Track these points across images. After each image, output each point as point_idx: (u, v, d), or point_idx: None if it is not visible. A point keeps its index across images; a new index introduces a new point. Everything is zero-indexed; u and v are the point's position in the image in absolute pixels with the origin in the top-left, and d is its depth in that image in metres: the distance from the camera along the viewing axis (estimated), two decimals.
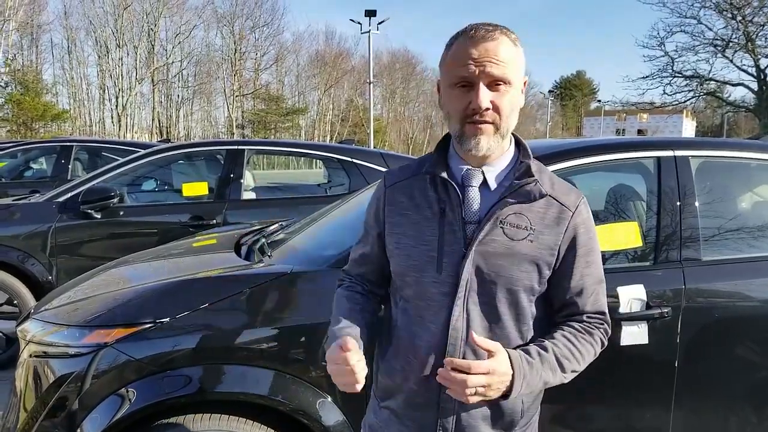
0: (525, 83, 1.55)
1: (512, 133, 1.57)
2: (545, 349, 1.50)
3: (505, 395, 1.44)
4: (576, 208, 1.55)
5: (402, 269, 1.55)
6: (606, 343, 1.62)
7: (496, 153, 1.52)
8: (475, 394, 1.39)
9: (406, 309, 1.56)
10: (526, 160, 1.55)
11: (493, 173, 1.53)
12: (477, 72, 1.43)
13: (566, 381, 1.55)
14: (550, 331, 1.57)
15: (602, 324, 1.62)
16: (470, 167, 1.53)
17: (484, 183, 1.52)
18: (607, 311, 1.63)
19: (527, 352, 1.48)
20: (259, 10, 54.11)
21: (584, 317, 1.59)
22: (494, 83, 1.44)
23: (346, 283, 1.74)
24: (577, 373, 1.56)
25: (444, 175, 1.52)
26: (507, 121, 1.48)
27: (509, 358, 1.43)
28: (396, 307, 1.60)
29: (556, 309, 1.60)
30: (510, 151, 1.57)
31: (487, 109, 1.44)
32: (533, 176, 1.52)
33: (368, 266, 1.70)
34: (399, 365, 1.57)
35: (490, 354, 1.41)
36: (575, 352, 1.53)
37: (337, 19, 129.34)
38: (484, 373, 1.38)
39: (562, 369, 1.51)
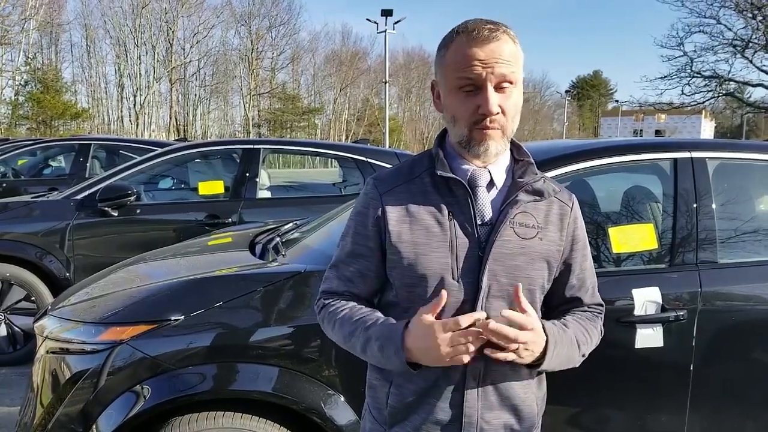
0: (522, 81, 1.52)
1: None
2: (565, 325, 1.50)
3: (536, 363, 1.42)
4: (572, 204, 1.56)
5: (412, 280, 1.45)
6: (603, 332, 1.63)
7: (500, 153, 1.50)
8: (513, 352, 1.35)
9: None
10: (525, 158, 1.53)
11: (498, 173, 1.50)
12: (485, 74, 1.39)
13: (576, 365, 1.54)
14: (558, 316, 1.56)
15: (601, 313, 1.63)
16: (476, 167, 1.48)
17: (490, 183, 1.49)
18: (603, 303, 1.65)
19: (552, 324, 1.47)
20: (276, 9, 54.43)
21: (586, 308, 1.60)
22: (500, 85, 1.41)
23: (336, 299, 1.55)
24: (584, 359, 1.55)
25: (451, 174, 1.46)
26: (512, 123, 1.46)
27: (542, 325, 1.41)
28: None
29: (557, 304, 1.59)
30: (507, 151, 1.54)
31: (497, 113, 1.40)
32: (537, 174, 1.51)
33: (364, 283, 1.54)
34: (416, 383, 1.47)
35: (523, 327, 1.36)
36: (586, 335, 1.54)
37: (353, 19, 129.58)
38: (530, 330, 1.36)
39: (579, 348, 1.51)
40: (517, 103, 1.45)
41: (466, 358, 1.35)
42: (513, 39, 1.44)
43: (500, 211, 1.46)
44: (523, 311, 1.37)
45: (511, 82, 1.41)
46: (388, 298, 1.54)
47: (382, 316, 1.47)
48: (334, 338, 1.54)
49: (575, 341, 1.49)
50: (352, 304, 1.53)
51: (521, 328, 1.35)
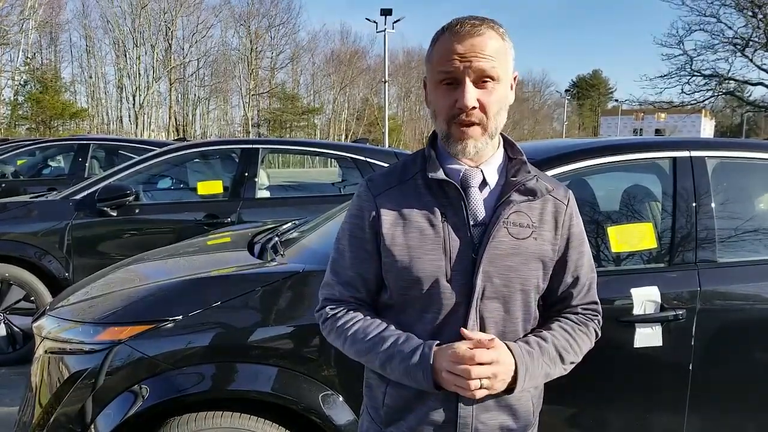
0: (515, 78, 1.50)
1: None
2: (544, 339, 1.47)
3: (510, 389, 1.41)
4: (568, 201, 1.54)
5: (406, 282, 1.44)
6: (600, 334, 1.60)
7: (488, 152, 1.47)
8: (481, 387, 1.34)
9: (411, 324, 1.46)
10: (518, 156, 1.51)
11: (491, 172, 1.48)
12: (462, 68, 1.37)
13: (565, 373, 1.52)
14: (546, 323, 1.54)
15: (596, 315, 1.60)
16: (468, 167, 1.47)
17: (482, 183, 1.47)
18: (599, 302, 1.62)
19: (526, 343, 1.45)
20: (275, 9, 54.46)
21: (578, 309, 1.57)
22: (481, 80, 1.39)
23: (343, 310, 1.53)
24: (574, 365, 1.53)
25: (442, 176, 1.44)
26: (495, 121, 1.43)
27: (509, 349, 1.40)
28: (396, 324, 1.48)
29: (551, 302, 1.57)
30: (500, 149, 1.52)
31: (474, 108, 1.38)
32: (531, 173, 1.49)
33: (365, 287, 1.52)
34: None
35: (489, 345, 1.36)
36: (573, 344, 1.51)
37: (352, 18, 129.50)
38: (488, 363, 1.34)
39: (562, 360, 1.48)
40: (500, 99, 1.43)
41: (476, 394, 1.36)
42: (500, 35, 1.42)
43: (493, 212, 1.44)
44: (485, 346, 1.36)
45: (492, 78, 1.39)
46: (383, 299, 1.52)
47: (397, 332, 1.45)
48: (345, 352, 1.52)
49: (556, 354, 1.47)
50: (360, 316, 1.50)
51: (480, 363, 1.34)
